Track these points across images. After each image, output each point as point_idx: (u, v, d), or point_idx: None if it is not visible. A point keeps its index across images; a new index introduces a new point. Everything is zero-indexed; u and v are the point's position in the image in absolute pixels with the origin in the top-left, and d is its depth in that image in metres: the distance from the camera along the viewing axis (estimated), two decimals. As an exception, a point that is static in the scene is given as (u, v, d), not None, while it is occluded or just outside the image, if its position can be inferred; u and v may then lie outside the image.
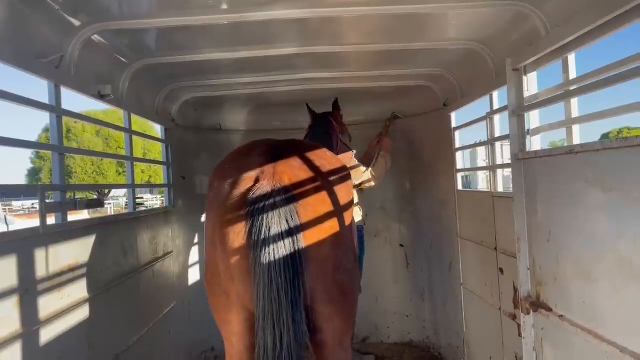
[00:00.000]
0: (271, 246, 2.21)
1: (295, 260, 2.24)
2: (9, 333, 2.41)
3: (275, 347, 2.19)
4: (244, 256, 2.31)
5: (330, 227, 2.48)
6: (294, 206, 2.32)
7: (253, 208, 2.25)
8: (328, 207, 2.51)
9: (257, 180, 2.37)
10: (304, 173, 2.50)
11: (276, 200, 2.27)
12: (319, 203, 2.47)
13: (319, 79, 4.96)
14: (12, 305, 2.45)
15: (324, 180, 2.58)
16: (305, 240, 2.31)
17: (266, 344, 2.21)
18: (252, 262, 2.23)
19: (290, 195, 2.33)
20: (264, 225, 2.22)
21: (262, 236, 2.21)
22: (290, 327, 2.19)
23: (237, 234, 2.34)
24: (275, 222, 2.23)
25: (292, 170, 2.45)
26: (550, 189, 2.90)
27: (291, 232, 2.26)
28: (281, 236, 2.23)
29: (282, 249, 2.22)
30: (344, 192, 2.71)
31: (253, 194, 2.29)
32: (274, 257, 2.20)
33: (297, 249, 2.26)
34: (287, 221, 2.26)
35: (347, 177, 2.88)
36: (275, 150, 2.61)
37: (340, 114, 5.25)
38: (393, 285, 6.43)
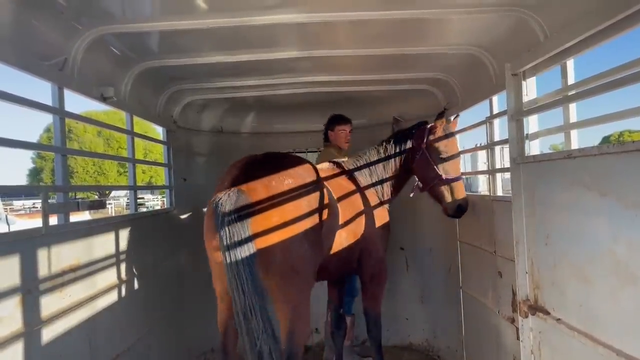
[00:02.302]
0: (231, 242, 2.86)
1: (250, 251, 2.90)
2: (11, 332, 2.44)
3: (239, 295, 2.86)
4: (212, 248, 3.12)
5: (281, 230, 3.06)
6: (249, 214, 2.94)
7: (217, 214, 2.88)
8: (281, 214, 3.09)
9: (225, 191, 2.98)
10: (262, 185, 3.09)
11: (235, 207, 2.89)
12: (273, 211, 3.06)
13: (320, 82, 4.99)
14: (14, 305, 2.47)
15: (282, 190, 3.15)
16: (256, 240, 2.94)
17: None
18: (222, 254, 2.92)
19: (246, 204, 2.94)
20: (225, 227, 2.86)
21: (224, 236, 2.86)
22: (249, 280, 2.84)
23: (208, 234, 3.17)
24: (234, 226, 2.86)
25: (253, 184, 3.07)
26: (548, 193, 2.92)
27: (244, 233, 2.89)
28: (238, 236, 2.86)
29: (239, 245, 2.86)
30: (305, 201, 3.29)
31: (218, 202, 2.90)
32: (235, 251, 2.86)
33: (250, 244, 2.90)
34: (241, 225, 2.88)
35: (310, 188, 3.39)
36: (248, 167, 3.25)
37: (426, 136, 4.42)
38: (393, 288, 6.44)
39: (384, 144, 4.59)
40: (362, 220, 4.26)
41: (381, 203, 4.57)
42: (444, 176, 4.28)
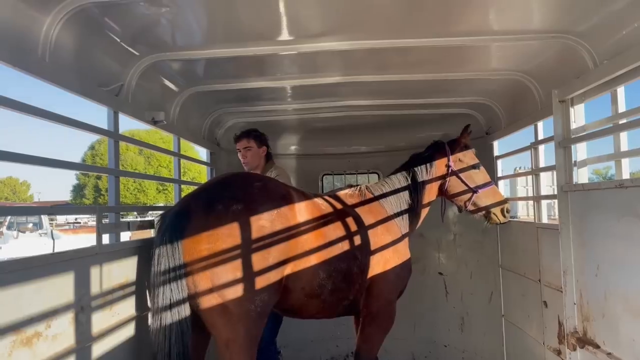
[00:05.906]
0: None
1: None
2: (63, 349, 2.51)
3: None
4: None
5: (211, 262, 3.04)
6: (184, 241, 3.04)
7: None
8: (211, 244, 3.05)
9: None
10: (199, 219, 3.07)
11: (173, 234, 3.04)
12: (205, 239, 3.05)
13: (362, 106, 5.04)
14: (68, 322, 2.56)
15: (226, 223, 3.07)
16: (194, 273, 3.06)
17: None
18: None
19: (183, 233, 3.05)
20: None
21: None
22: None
23: None
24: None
25: (198, 214, 3.09)
26: (598, 222, 2.85)
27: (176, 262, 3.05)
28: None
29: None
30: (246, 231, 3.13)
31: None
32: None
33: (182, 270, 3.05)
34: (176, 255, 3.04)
35: (253, 218, 3.18)
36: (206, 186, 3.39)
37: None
38: (431, 313, 6.33)
39: (405, 172, 4.22)
40: (367, 255, 3.72)
41: (403, 236, 4.02)
42: (476, 188, 4.17)
